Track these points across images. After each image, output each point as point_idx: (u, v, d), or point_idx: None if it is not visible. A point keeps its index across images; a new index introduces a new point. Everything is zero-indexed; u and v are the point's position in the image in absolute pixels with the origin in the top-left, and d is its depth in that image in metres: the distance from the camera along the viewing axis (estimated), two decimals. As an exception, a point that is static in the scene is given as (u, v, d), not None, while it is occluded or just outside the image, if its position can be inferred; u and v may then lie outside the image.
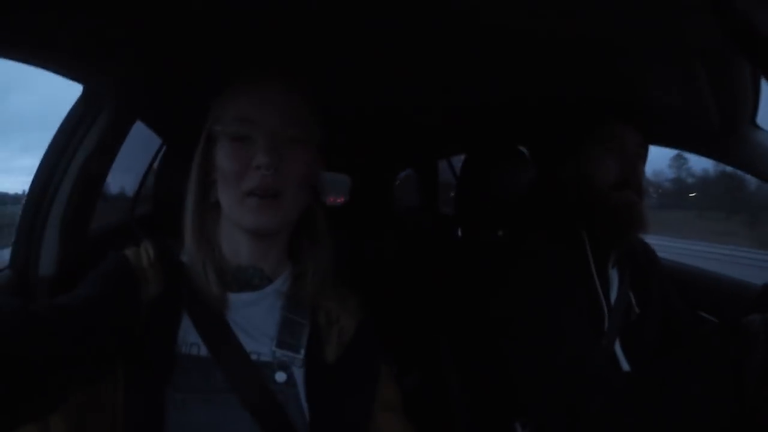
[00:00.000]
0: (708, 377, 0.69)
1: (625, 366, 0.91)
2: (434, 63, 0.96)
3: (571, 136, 0.96)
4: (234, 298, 0.70)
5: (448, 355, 1.15)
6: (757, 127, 0.91)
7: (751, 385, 0.65)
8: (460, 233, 1.61)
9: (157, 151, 1.53)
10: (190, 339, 0.66)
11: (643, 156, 0.96)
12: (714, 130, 0.95)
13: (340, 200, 3.40)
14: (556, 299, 0.87)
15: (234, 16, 0.78)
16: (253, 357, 0.67)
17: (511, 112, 1.31)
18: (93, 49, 0.87)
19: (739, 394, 0.66)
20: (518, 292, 0.90)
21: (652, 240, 1.10)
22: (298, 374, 0.69)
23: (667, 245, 4.83)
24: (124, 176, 1.43)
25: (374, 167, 2.62)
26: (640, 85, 0.97)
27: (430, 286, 1.30)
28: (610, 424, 0.75)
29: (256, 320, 0.70)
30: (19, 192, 1.10)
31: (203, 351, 0.66)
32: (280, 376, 0.67)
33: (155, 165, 1.55)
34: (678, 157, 14.50)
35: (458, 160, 2.34)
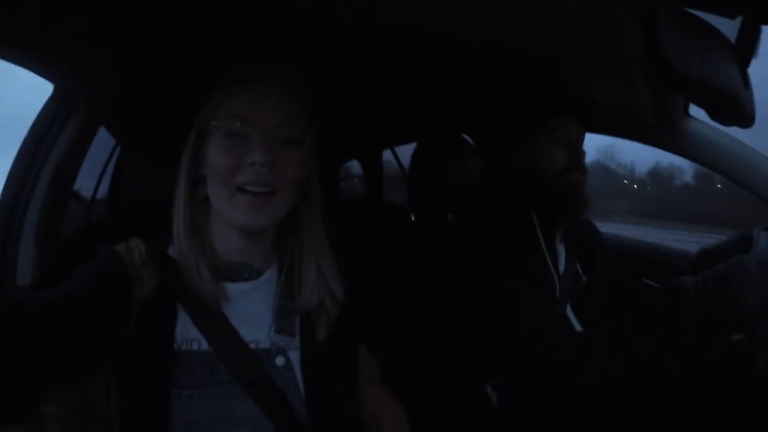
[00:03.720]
0: (651, 332, 0.81)
1: (578, 327, 1.04)
2: (378, 62, 0.99)
3: (520, 128, 1.07)
4: (229, 288, 0.71)
5: (414, 331, 1.21)
6: (690, 116, 1.05)
7: (689, 336, 0.78)
8: (413, 218, 1.68)
9: (110, 154, 1.49)
10: (189, 335, 0.66)
11: (582, 141, 1.10)
12: (650, 121, 1.08)
13: None
14: (513, 275, 0.97)
15: (205, 20, 0.79)
16: (252, 345, 0.69)
17: (456, 105, 1.38)
18: (72, 50, 0.85)
19: (678, 345, 0.79)
20: (479, 271, 1.00)
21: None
22: (294, 357, 0.71)
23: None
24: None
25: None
26: (582, 85, 1.08)
27: (389, 270, 1.34)
28: (569, 381, 0.87)
29: (252, 309, 0.72)
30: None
31: (204, 345, 0.66)
32: (279, 360, 0.70)
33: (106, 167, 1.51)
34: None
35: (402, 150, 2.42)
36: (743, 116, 0.58)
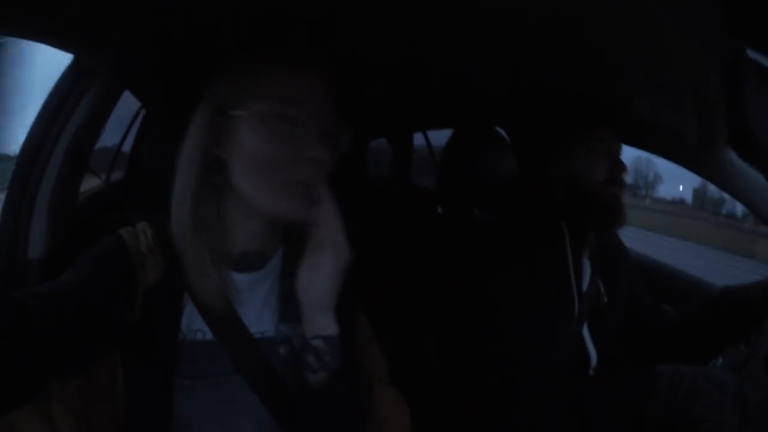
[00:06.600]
0: (612, 414, 0.86)
1: (591, 348, 1.02)
2: (419, 32, 0.92)
3: (562, 134, 1.02)
4: (238, 279, 0.68)
5: (428, 326, 1.20)
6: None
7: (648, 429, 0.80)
8: (440, 210, 1.65)
9: (133, 118, 1.45)
10: (194, 326, 0.65)
11: (620, 153, 1.05)
12: (692, 146, 1.03)
13: None
14: (533, 289, 0.96)
15: None
16: (257, 335, 0.68)
17: (497, 95, 1.33)
18: (89, 19, 0.80)
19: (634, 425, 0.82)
20: (498, 278, 0.98)
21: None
22: (299, 345, 0.69)
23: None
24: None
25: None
26: (630, 99, 1.03)
27: (406, 258, 1.32)
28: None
29: (259, 299, 0.70)
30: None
31: (209, 335, 0.65)
32: (283, 349, 0.69)
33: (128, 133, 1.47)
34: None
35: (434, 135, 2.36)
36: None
